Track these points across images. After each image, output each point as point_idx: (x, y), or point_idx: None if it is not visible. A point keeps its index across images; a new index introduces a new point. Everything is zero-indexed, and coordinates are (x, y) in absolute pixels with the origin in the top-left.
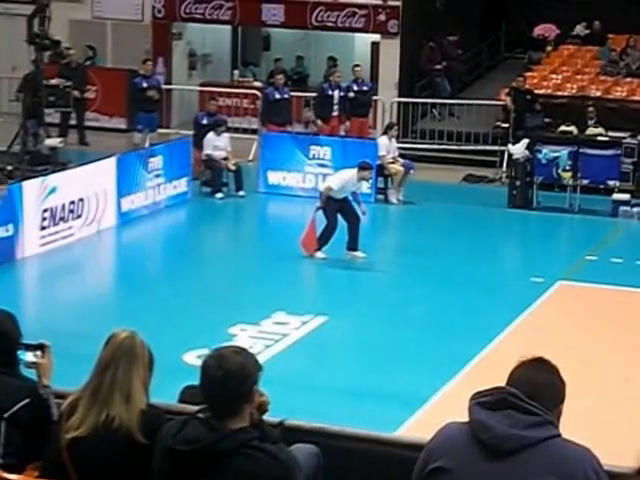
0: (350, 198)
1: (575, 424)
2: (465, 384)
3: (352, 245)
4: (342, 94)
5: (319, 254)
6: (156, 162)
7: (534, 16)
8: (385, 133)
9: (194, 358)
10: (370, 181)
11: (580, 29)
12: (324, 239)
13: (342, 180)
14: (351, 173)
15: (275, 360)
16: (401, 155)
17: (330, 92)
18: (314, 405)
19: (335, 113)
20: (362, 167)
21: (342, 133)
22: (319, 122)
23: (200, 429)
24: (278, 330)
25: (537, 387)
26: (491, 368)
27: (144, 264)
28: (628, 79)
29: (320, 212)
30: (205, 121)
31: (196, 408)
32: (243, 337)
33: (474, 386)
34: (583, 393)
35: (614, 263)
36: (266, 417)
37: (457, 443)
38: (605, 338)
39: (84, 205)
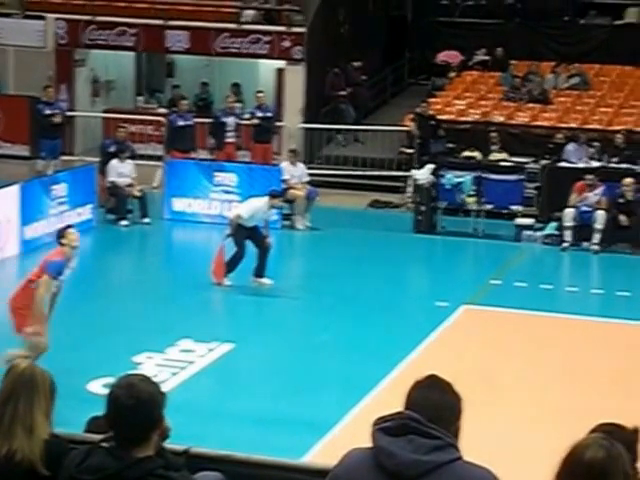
0: (261, 225)
1: (481, 446)
2: (372, 408)
3: (259, 272)
4: (237, 120)
5: (226, 281)
6: (60, 189)
7: (438, 42)
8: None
9: (99, 387)
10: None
11: (480, 55)
12: (231, 266)
13: (252, 208)
14: (262, 201)
15: (181, 388)
16: (308, 182)
17: (224, 119)
18: (221, 433)
19: (230, 140)
20: (273, 195)
21: (246, 159)
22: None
23: (104, 458)
24: (184, 358)
25: (435, 408)
26: (398, 392)
27: None
28: (530, 105)
29: (230, 239)
30: (112, 148)
31: (100, 437)
32: (149, 365)
33: (381, 410)
34: (489, 415)
35: (518, 287)
36: (172, 445)
37: (361, 469)
38: (510, 361)
39: None
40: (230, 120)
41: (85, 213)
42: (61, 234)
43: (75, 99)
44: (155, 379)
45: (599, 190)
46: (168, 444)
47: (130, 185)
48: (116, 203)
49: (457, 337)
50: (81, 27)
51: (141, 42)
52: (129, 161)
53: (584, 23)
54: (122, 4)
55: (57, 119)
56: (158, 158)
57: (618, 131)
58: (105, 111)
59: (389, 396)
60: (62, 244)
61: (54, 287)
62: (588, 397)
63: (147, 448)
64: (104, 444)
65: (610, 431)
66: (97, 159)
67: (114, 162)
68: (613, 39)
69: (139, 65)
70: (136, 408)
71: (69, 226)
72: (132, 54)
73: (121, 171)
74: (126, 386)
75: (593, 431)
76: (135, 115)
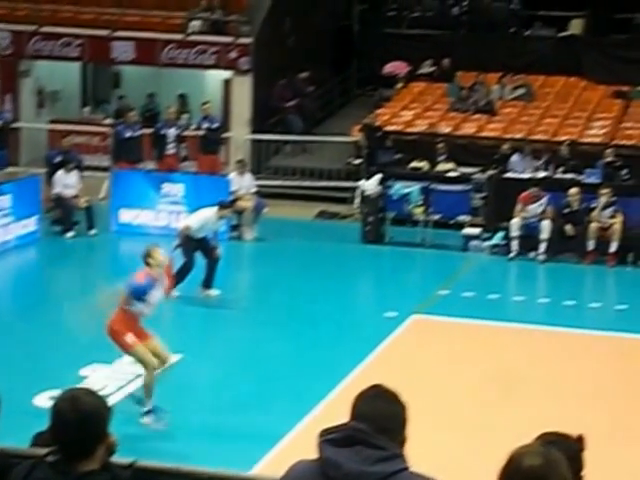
0: (210, 237)
1: (429, 456)
2: (320, 420)
3: (207, 283)
4: (178, 132)
5: (173, 292)
6: (4, 201)
7: (385, 54)
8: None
9: (45, 400)
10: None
11: (427, 67)
12: (180, 277)
13: (201, 219)
14: (211, 212)
15: (128, 400)
16: (256, 192)
17: (164, 130)
18: (168, 445)
19: (171, 151)
20: (222, 206)
21: (192, 170)
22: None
23: (49, 473)
24: (131, 370)
25: (382, 418)
26: (347, 403)
27: None
28: (477, 115)
29: (178, 251)
30: (58, 159)
31: (44, 451)
32: (95, 378)
33: (329, 422)
34: (438, 426)
35: (466, 297)
36: (118, 458)
37: None
38: (458, 370)
39: None
40: (170, 132)
41: (30, 225)
42: (148, 253)
43: (20, 110)
44: (102, 391)
45: (543, 200)
46: (114, 457)
47: (76, 196)
48: (62, 214)
49: (406, 347)
50: (26, 37)
51: (87, 53)
52: (75, 172)
53: (529, 34)
54: (67, 14)
55: None
56: (105, 169)
57: (563, 142)
58: (50, 122)
59: (338, 408)
60: (148, 264)
61: (140, 309)
62: (536, 405)
63: (92, 462)
64: (49, 458)
65: (553, 441)
66: (42, 170)
67: (60, 173)
68: (558, 50)
69: (85, 76)
70: (80, 422)
71: (155, 245)
72: (78, 65)
73: (67, 182)
74: (70, 399)
75: (536, 440)
76: (81, 126)
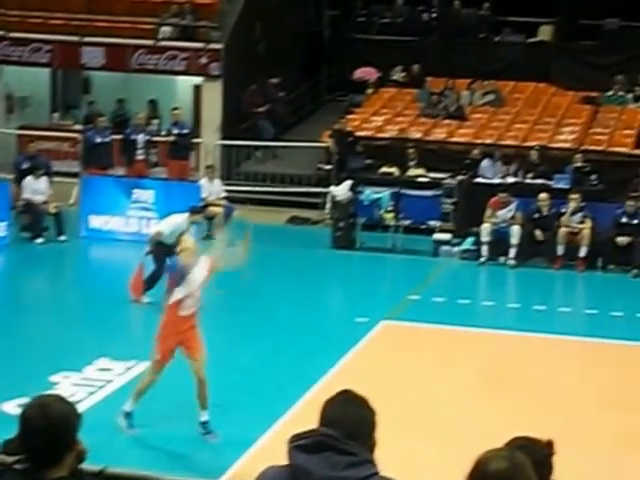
0: None
1: (400, 462)
2: (291, 426)
3: None
4: (148, 138)
5: (144, 298)
6: None
7: (355, 59)
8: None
9: (14, 407)
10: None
11: (397, 73)
12: (150, 283)
13: (172, 225)
14: (182, 218)
15: (99, 407)
16: (225, 197)
17: (134, 136)
18: (139, 452)
19: (141, 157)
20: (193, 211)
21: (162, 176)
22: None
23: None
24: (102, 377)
25: (353, 424)
26: (317, 409)
27: None
28: (447, 121)
29: (149, 256)
30: (25, 165)
31: (13, 459)
32: (65, 385)
33: (300, 428)
34: (409, 431)
35: (436, 302)
36: (87, 465)
37: None
38: (429, 376)
39: None
40: (140, 137)
41: None
42: (176, 241)
43: None
44: (72, 398)
45: (512, 205)
46: (83, 464)
47: (45, 202)
48: (31, 220)
49: (376, 353)
50: None
51: (56, 58)
52: (44, 178)
53: (499, 40)
54: (37, 20)
55: None
56: (74, 175)
57: (533, 147)
58: (20, 127)
59: (308, 414)
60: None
61: (183, 297)
62: (507, 409)
63: (61, 469)
64: (17, 466)
65: (523, 445)
66: (11, 176)
67: (29, 179)
68: (527, 56)
69: (54, 81)
70: (49, 429)
71: (182, 233)
72: (47, 70)
73: (36, 188)
74: (39, 406)
75: (506, 445)
76: (51, 132)
